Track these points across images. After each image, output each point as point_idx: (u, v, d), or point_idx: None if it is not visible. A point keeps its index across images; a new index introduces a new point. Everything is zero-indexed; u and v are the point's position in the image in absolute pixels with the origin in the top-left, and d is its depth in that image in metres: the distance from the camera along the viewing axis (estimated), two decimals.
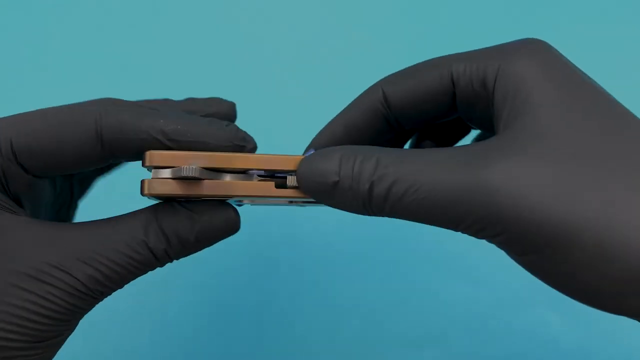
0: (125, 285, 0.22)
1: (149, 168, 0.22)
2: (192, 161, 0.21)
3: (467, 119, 0.24)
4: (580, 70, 0.21)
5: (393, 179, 0.19)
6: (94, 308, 0.21)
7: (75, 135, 0.21)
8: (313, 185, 0.21)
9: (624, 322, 0.25)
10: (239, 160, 0.21)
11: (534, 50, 0.21)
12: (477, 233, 0.19)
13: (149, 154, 0.21)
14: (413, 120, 0.24)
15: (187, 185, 0.21)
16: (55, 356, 0.22)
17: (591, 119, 0.19)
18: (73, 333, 0.22)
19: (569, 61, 0.22)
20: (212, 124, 0.22)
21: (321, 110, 0.27)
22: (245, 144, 0.22)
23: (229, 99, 0.28)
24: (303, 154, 0.23)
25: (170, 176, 0.21)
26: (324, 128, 0.26)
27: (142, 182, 0.21)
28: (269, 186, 0.22)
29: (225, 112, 0.28)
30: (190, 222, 0.21)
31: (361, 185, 0.19)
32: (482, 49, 0.23)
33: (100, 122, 0.21)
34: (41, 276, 0.19)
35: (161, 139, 0.21)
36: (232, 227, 0.22)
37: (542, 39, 0.22)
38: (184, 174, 0.20)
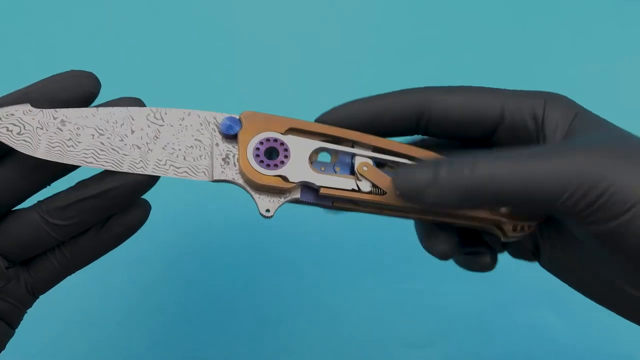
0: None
1: None
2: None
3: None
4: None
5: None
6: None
7: None
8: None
9: (623, 322, 0.25)
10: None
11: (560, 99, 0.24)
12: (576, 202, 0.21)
13: None
14: (442, 134, 0.25)
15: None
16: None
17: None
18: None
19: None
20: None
21: (321, 110, 0.27)
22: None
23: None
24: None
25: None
26: (347, 105, 0.26)
27: None
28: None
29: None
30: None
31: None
32: (522, 92, 0.24)
33: None
34: None
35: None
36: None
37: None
38: None
